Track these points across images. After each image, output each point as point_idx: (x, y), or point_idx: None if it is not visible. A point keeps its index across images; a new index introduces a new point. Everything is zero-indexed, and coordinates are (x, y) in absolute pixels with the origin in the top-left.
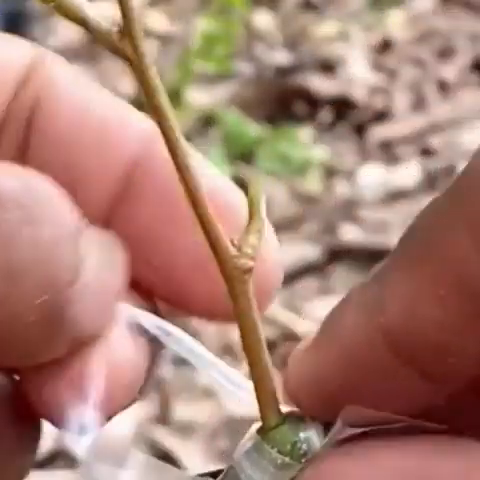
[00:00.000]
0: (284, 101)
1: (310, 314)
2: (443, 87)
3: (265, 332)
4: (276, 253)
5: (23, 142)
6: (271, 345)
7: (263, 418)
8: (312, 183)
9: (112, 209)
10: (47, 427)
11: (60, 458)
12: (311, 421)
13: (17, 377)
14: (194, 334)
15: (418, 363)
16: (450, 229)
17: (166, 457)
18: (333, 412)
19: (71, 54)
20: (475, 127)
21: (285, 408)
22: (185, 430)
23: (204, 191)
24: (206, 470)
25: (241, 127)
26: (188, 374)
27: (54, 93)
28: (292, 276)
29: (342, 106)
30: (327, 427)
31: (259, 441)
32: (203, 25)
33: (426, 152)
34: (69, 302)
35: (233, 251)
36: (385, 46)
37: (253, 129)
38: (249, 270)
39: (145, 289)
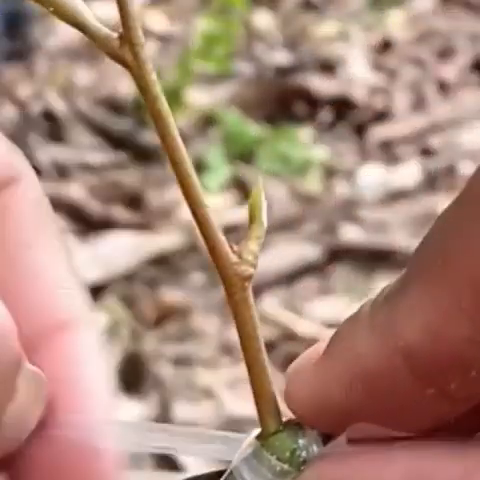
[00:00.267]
0: (284, 101)
1: (310, 314)
2: (443, 87)
3: (265, 332)
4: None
5: None
6: (271, 345)
7: (262, 425)
8: (312, 183)
9: None
10: None
11: None
12: (310, 429)
13: None
14: (194, 334)
15: (440, 383)
16: (465, 239)
17: (166, 457)
18: (338, 429)
19: (71, 54)
20: (475, 127)
21: (285, 415)
22: None
23: (204, 199)
24: (206, 470)
25: (241, 127)
26: (188, 374)
27: None
28: (292, 276)
29: (342, 106)
30: (326, 437)
31: (258, 448)
32: (203, 25)
33: (426, 152)
34: None
35: (233, 258)
36: (385, 46)
37: (253, 129)
38: (249, 277)
39: None
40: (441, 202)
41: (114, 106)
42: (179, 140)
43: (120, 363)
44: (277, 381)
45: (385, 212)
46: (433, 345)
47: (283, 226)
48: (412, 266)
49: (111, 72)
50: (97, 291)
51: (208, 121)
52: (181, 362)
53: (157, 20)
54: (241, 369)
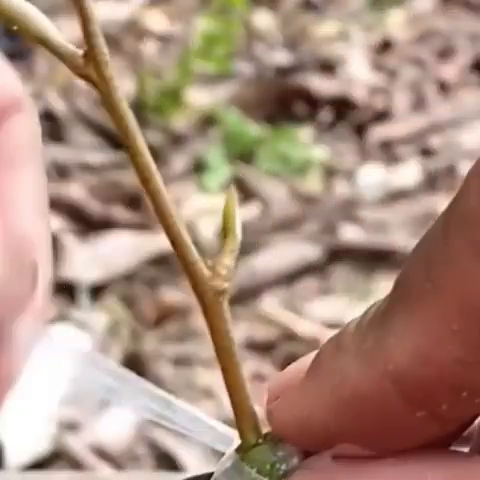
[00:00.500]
0: (284, 101)
1: (310, 314)
2: (443, 87)
3: (265, 332)
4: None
5: None
6: (271, 345)
7: (242, 437)
8: (312, 183)
9: None
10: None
11: (60, 458)
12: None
13: None
14: (194, 334)
15: (431, 405)
16: (453, 259)
17: (166, 457)
18: (321, 449)
19: None
20: (475, 127)
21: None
22: None
23: (176, 214)
24: (206, 470)
25: (241, 127)
26: (188, 374)
27: None
28: (292, 276)
29: (342, 106)
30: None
31: (238, 460)
32: (203, 25)
33: (426, 152)
34: None
35: (207, 273)
36: (385, 46)
37: (253, 129)
38: (223, 291)
39: None
40: (441, 202)
41: None
42: (149, 157)
43: (120, 363)
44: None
45: (385, 212)
46: (423, 368)
47: (283, 226)
48: (399, 287)
49: None
50: (97, 291)
51: (208, 121)
52: (181, 362)
53: (157, 20)
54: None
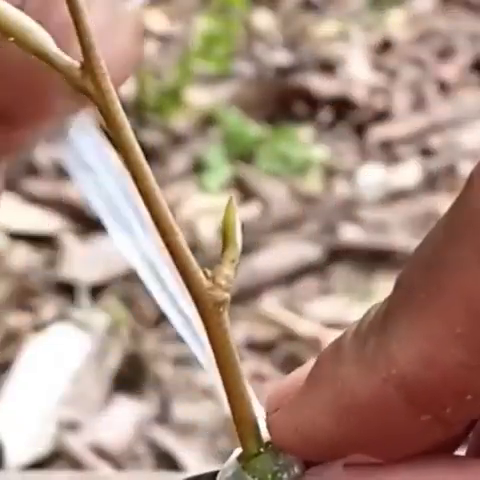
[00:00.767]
0: (284, 101)
1: (310, 314)
2: (443, 87)
3: (265, 332)
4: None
5: None
6: (271, 345)
7: (243, 446)
8: (312, 183)
9: None
10: (47, 428)
11: (60, 458)
12: None
13: None
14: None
15: (435, 409)
16: (457, 262)
17: (166, 457)
18: (324, 460)
19: None
20: (475, 127)
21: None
22: (185, 430)
23: (174, 222)
24: (206, 470)
25: (241, 127)
26: (188, 374)
27: None
28: (292, 276)
29: (342, 106)
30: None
31: (239, 470)
32: (203, 25)
33: (426, 152)
34: None
35: (207, 283)
36: (385, 46)
37: (253, 129)
38: (223, 302)
39: None
40: (441, 202)
41: None
42: (147, 168)
43: (120, 363)
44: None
45: (385, 212)
46: (427, 372)
47: (283, 226)
48: (400, 290)
49: None
50: (97, 291)
51: (208, 121)
52: (181, 362)
53: (157, 20)
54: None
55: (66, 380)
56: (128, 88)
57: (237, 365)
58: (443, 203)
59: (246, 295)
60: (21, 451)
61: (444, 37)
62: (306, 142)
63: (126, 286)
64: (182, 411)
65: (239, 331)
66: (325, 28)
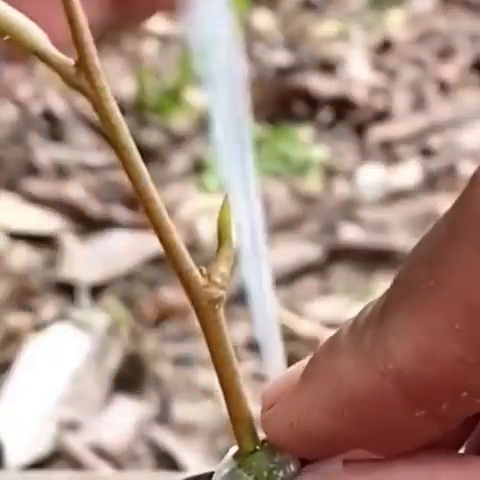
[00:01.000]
0: (284, 101)
1: (310, 314)
2: (443, 87)
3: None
4: None
5: None
6: None
7: (239, 444)
8: (312, 183)
9: None
10: (47, 428)
11: (60, 458)
12: None
13: None
14: (194, 334)
15: (431, 404)
16: (459, 259)
17: (166, 457)
18: (319, 456)
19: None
20: (475, 127)
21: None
22: (185, 430)
23: (170, 220)
24: (206, 470)
25: None
26: (188, 374)
27: None
28: (292, 276)
29: (342, 106)
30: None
31: (235, 467)
32: None
33: (426, 152)
34: None
35: (202, 281)
36: (385, 46)
37: (253, 129)
38: (219, 299)
39: None
40: (441, 202)
41: None
42: (142, 166)
43: (120, 363)
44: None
45: (385, 212)
46: (424, 366)
47: (283, 226)
48: (399, 286)
49: (110, 72)
50: (97, 291)
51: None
52: (181, 362)
53: (157, 20)
54: (241, 369)
55: (66, 380)
56: (128, 88)
57: (233, 363)
58: (443, 203)
59: (246, 295)
60: (21, 451)
61: (444, 37)
62: (306, 142)
63: (126, 286)
64: (182, 411)
65: (239, 331)
66: (325, 28)
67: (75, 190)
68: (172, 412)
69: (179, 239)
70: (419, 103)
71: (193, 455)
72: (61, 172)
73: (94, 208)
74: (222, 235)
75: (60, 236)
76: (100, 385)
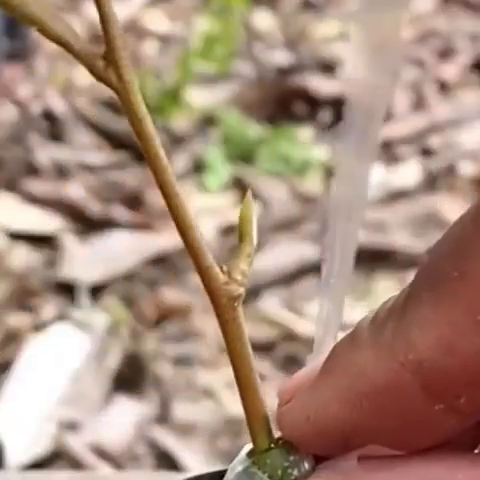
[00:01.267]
0: (284, 101)
1: (310, 314)
2: (443, 87)
3: (265, 332)
4: None
5: None
6: (271, 345)
7: (254, 442)
8: (312, 183)
9: None
10: (47, 428)
11: (60, 458)
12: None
13: None
14: (194, 334)
15: (450, 398)
16: None
17: (166, 457)
18: (336, 452)
19: None
20: (475, 127)
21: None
22: (185, 430)
23: (193, 219)
24: (207, 470)
25: (241, 127)
26: (188, 374)
27: None
28: (292, 276)
29: (342, 106)
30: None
31: (250, 465)
32: (203, 25)
33: (426, 152)
34: None
35: (223, 278)
36: None
37: (253, 129)
38: (239, 297)
39: None
40: (441, 202)
41: (114, 106)
42: (166, 161)
43: (120, 363)
44: (277, 381)
45: (385, 212)
46: (445, 358)
47: (283, 226)
48: (422, 278)
49: None
50: (97, 291)
51: (208, 121)
52: (181, 362)
53: (157, 20)
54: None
55: (66, 380)
56: None
57: (250, 360)
58: (443, 203)
59: (246, 295)
60: (21, 451)
61: (444, 37)
62: (306, 142)
63: (126, 286)
64: (182, 411)
65: None
66: (325, 28)
67: (75, 190)
68: (172, 412)
69: (201, 236)
70: (419, 103)
71: (193, 455)
72: (61, 172)
73: (94, 208)
74: (243, 232)
75: (60, 236)
76: (100, 385)
